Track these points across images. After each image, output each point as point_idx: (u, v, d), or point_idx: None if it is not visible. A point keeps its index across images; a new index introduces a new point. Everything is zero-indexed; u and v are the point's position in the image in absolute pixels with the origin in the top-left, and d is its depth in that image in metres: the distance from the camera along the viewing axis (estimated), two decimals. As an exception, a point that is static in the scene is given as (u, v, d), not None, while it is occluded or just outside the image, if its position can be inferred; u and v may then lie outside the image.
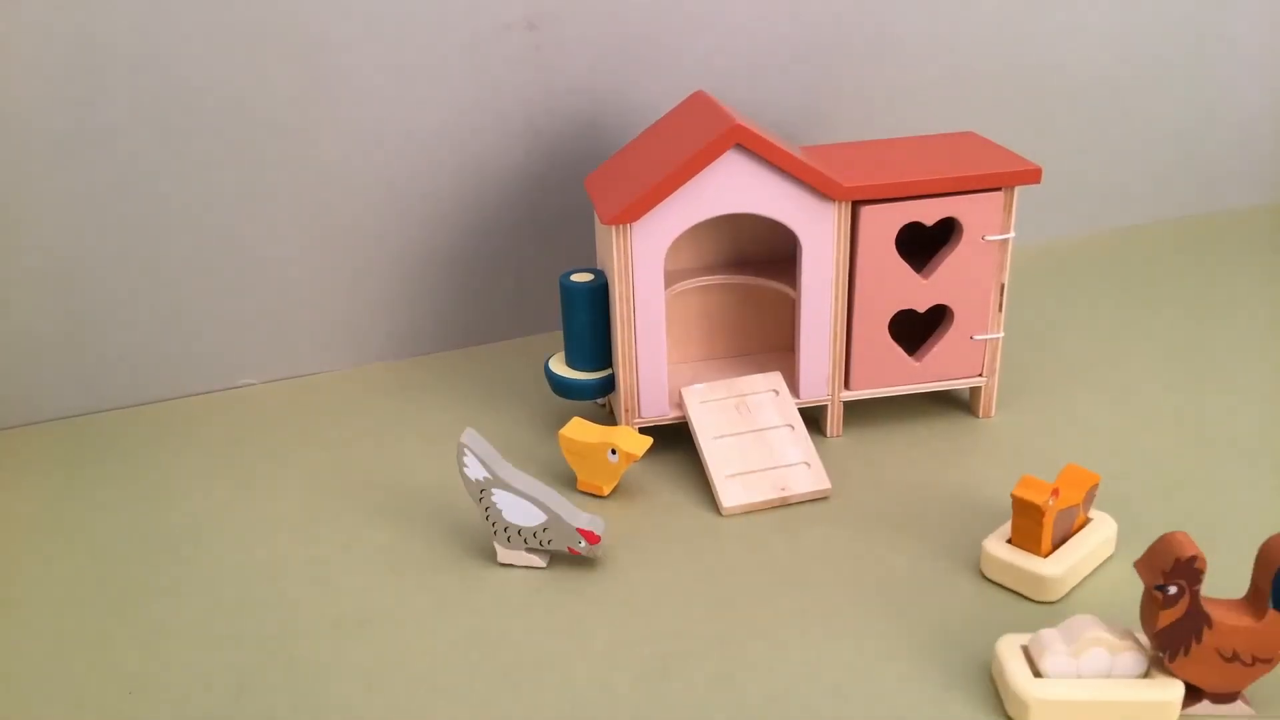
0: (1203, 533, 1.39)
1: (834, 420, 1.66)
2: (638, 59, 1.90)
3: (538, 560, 1.39)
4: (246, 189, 1.78)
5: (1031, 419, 1.68)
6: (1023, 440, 1.63)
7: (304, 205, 1.81)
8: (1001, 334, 1.65)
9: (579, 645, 1.27)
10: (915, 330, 1.66)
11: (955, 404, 1.73)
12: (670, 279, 1.66)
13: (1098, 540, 1.34)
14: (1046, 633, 1.15)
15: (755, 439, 1.55)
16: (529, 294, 2.00)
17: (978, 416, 1.69)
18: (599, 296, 1.60)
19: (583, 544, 1.36)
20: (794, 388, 1.64)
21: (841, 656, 1.23)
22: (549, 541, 1.37)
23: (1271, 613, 1.09)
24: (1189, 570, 1.08)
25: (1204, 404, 1.70)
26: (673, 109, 1.69)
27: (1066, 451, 1.59)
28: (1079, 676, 1.12)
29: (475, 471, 1.37)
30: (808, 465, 1.52)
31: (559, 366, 1.67)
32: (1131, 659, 1.12)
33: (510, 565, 1.40)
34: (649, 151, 1.59)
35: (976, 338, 1.64)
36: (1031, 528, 1.30)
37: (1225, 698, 1.14)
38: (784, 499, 1.50)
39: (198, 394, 1.87)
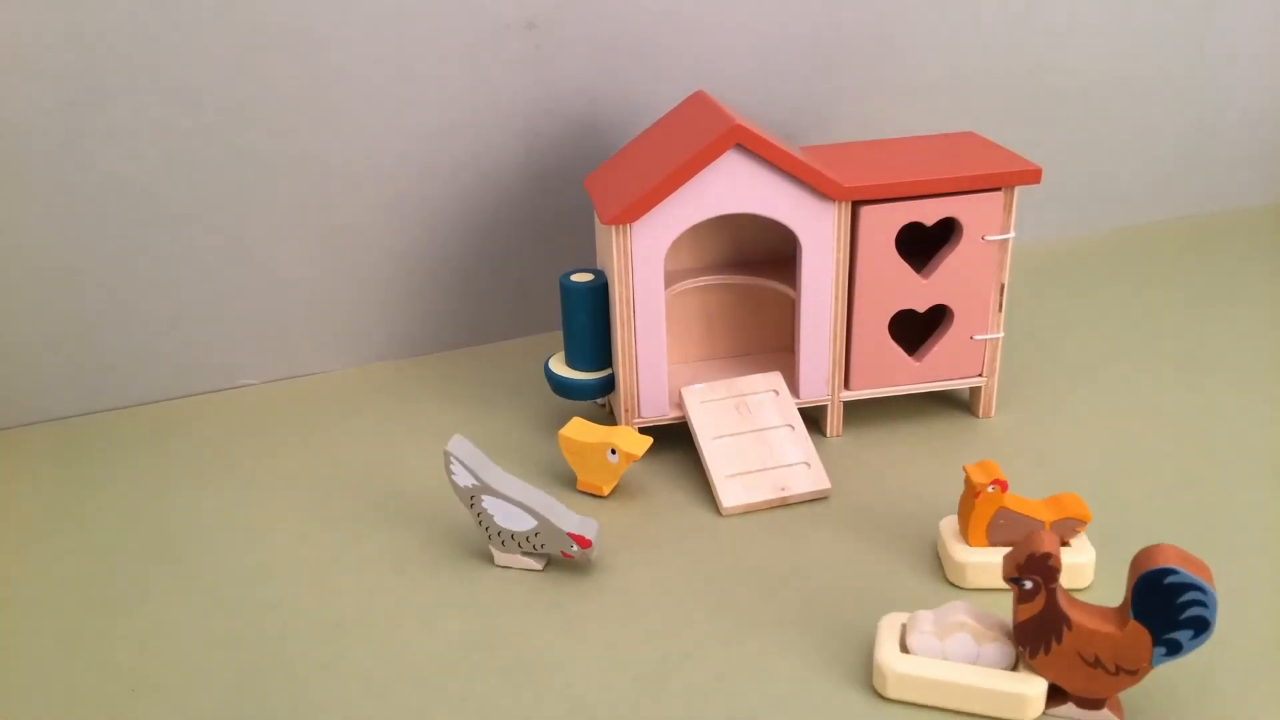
0: (1203, 533, 1.40)
1: (834, 420, 1.66)
2: (638, 59, 1.90)
3: (534, 563, 1.39)
4: (247, 189, 1.78)
5: (1031, 419, 1.68)
6: (1023, 440, 1.63)
7: (304, 205, 1.81)
8: (1001, 334, 1.65)
9: (579, 645, 1.27)
10: (915, 330, 1.66)
11: (955, 404, 1.73)
12: (670, 279, 1.66)
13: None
14: (921, 613, 1.18)
15: (755, 439, 1.55)
16: (529, 294, 2.00)
17: (978, 416, 1.69)
18: (599, 296, 1.60)
19: (575, 548, 1.35)
20: (794, 388, 1.64)
21: (841, 656, 1.23)
22: (541, 546, 1.37)
23: (1133, 623, 1.07)
24: (1043, 567, 1.08)
25: (1204, 404, 1.70)
26: (673, 109, 1.69)
27: (1066, 451, 1.59)
28: (945, 658, 1.15)
29: (463, 479, 1.37)
30: (807, 465, 1.52)
31: (559, 366, 1.67)
32: (997, 650, 1.14)
33: (509, 568, 1.40)
34: (649, 152, 1.59)
35: (976, 338, 1.64)
36: (964, 508, 1.32)
37: (1091, 703, 1.13)
38: (783, 499, 1.50)
39: (198, 394, 1.87)
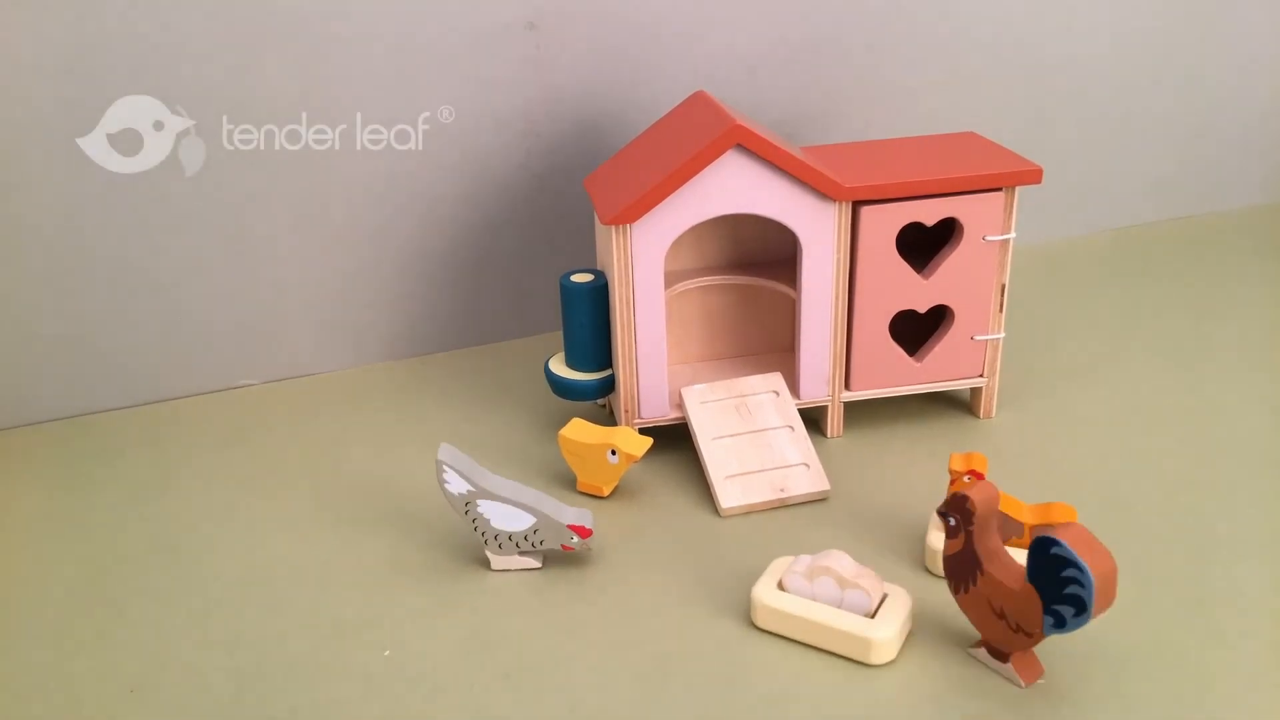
0: (1203, 532, 1.40)
1: (834, 421, 1.66)
2: (638, 59, 1.90)
3: (533, 562, 1.39)
4: (246, 189, 1.78)
5: (1031, 419, 1.68)
6: (1023, 440, 1.63)
7: (304, 205, 1.81)
8: (1002, 334, 1.65)
9: (578, 645, 1.27)
10: (915, 330, 1.66)
11: (955, 404, 1.73)
12: (670, 279, 1.66)
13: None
14: (801, 557, 1.27)
15: (755, 440, 1.55)
16: (529, 294, 2.00)
17: (978, 416, 1.69)
18: (599, 297, 1.60)
19: (575, 539, 1.35)
20: (794, 388, 1.64)
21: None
22: (541, 542, 1.37)
23: (1027, 585, 1.11)
24: (961, 508, 1.15)
25: (1204, 404, 1.70)
26: (673, 109, 1.69)
27: (1066, 451, 1.59)
28: (813, 599, 1.24)
29: (457, 486, 1.37)
30: (807, 466, 1.52)
31: (559, 367, 1.67)
32: (858, 597, 1.23)
33: (507, 571, 1.40)
34: (649, 152, 1.58)
35: (977, 338, 1.64)
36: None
37: (998, 654, 1.19)
38: (783, 500, 1.50)
39: (198, 394, 1.87)
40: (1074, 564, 1.05)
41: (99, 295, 1.77)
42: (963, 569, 1.17)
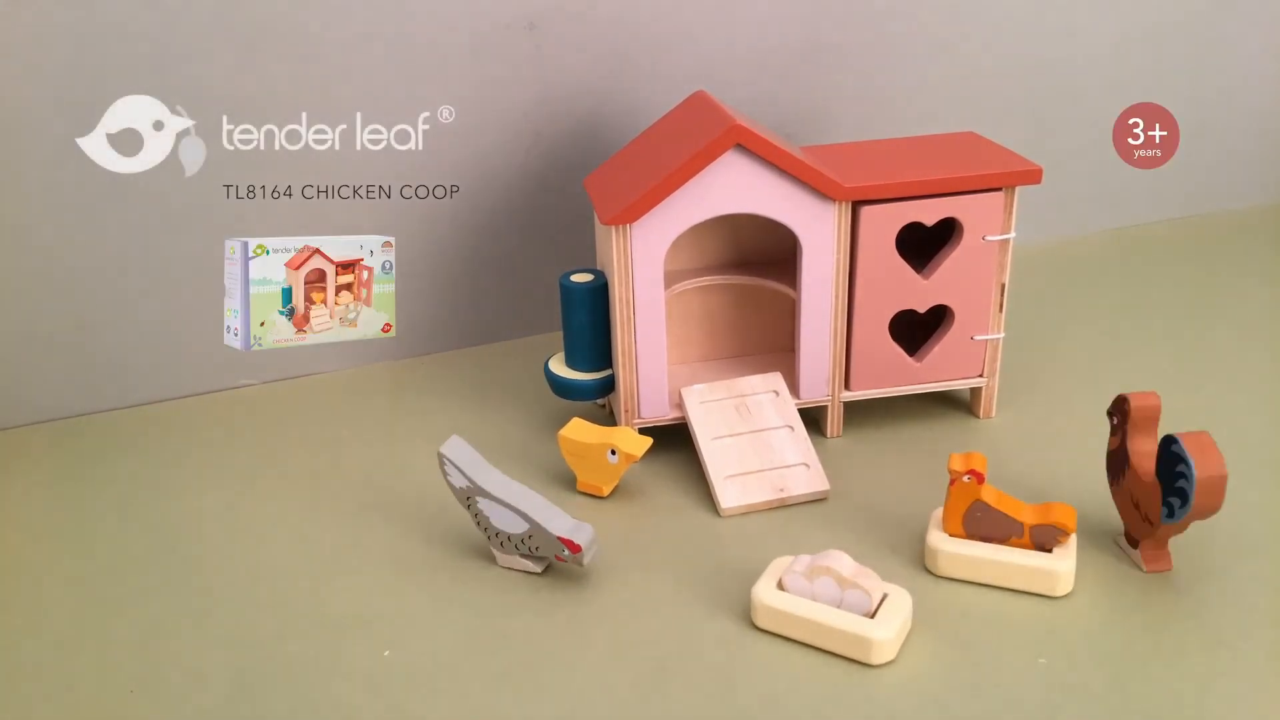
0: (1203, 532, 1.40)
1: (834, 421, 1.66)
2: (638, 59, 1.90)
3: (533, 565, 1.38)
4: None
5: (1031, 419, 1.68)
6: (1023, 440, 1.63)
7: (304, 205, 1.81)
8: (1002, 334, 1.65)
9: (579, 645, 1.27)
10: (915, 330, 1.66)
11: (955, 404, 1.73)
12: (670, 279, 1.66)
13: (1016, 559, 1.30)
14: (801, 557, 1.27)
15: (755, 440, 1.55)
16: (529, 294, 2.00)
17: (978, 417, 1.69)
18: (599, 297, 1.60)
19: (566, 553, 1.34)
20: (794, 388, 1.64)
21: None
22: (536, 549, 1.36)
23: (1155, 477, 1.28)
24: (1121, 409, 1.32)
25: (1204, 404, 1.70)
26: (673, 109, 1.69)
27: (1066, 452, 1.59)
28: (813, 599, 1.24)
29: (457, 480, 1.37)
30: (807, 466, 1.52)
31: (559, 367, 1.67)
32: (858, 597, 1.23)
33: (511, 569, 1.40)
34: (649, 152, 1.58)
35: (977, 338, 1.64)
36: (946, 496, 1.34)
37: (1130, 540, 1.35)
38: (782, 500, 1.50)
39: (198, 394, 1.87)
40: (1183, 460, 1.23)
41: (99, 295, 1.77)
42: (1116, 464, 1.34)
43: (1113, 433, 1.35)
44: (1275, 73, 2.36)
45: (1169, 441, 1.26)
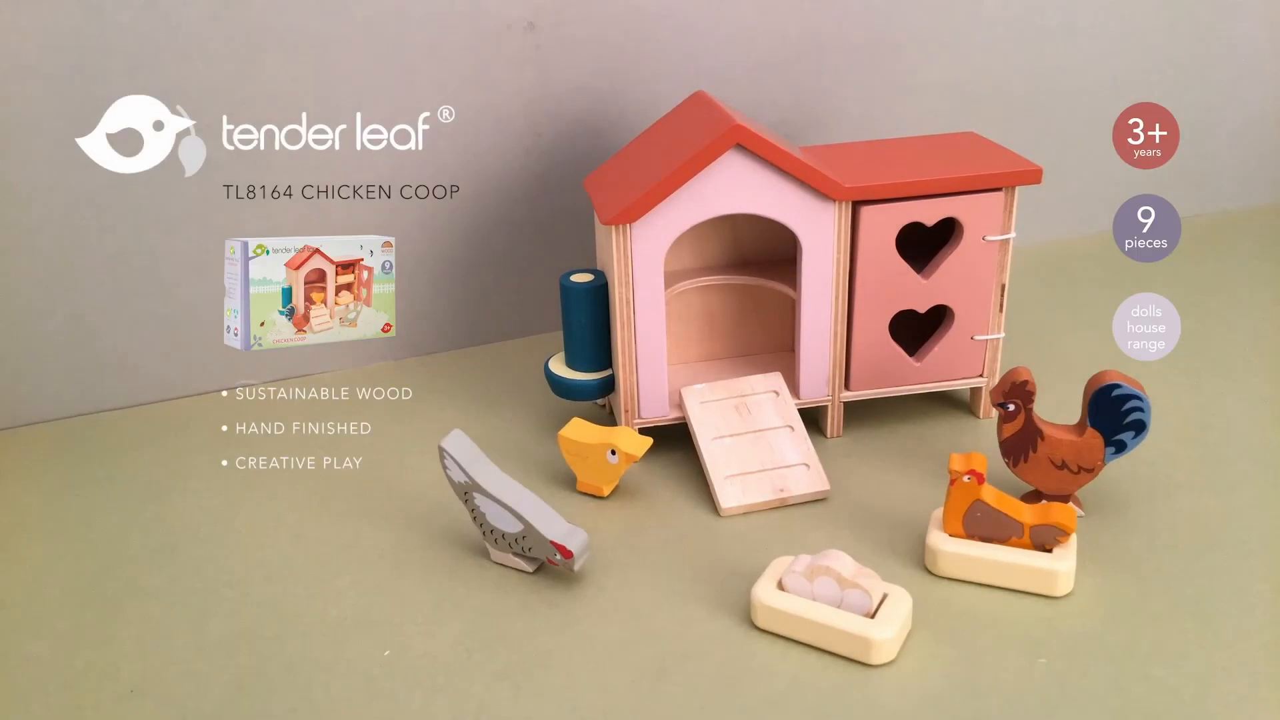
0: (1203, 532, 1.40)
1: (834, 421, 1.66)
2: (638, 59, 1.90)
3: (525, 565, 1.38)
4: (246, 189, 1.77)
5: (1031, 419, 1.68)
6: (1023, 440, 1.63)
7: (304, 205, 1.81)
8: (1002, 334, 1.65)
9: (579, 645, 1.27)
10: (915, 330, 1.66)
11: (955, 404, 1.73)
12: (670, 279, 1.66)
13: (1016, 559, 1.30)
14: (801, 557, 1.28)
15: (755, 440, 1.55)
16: (529, 294, 2.00)
17: (978, 416, 1.69)
18: (599, 297, 1.60)
19: (558, 557, 1.34)
20: (794, 388, 1.64)
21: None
22: (529, 550, 1.36)
23: (1090, 430, 1.38)
24: (1022, 392, 1.39)
25: (1204, 404, 1.70)
26: (673, 109, 1.69)
27: (1066, 452, 1.59)
28: (814, 599, 1.25)
29: (456, 475, 1.37)
30: (807, 466, 1.52)
31: (559, 367, 1.67)
32: (858, 597, 1.23)
33: (504, 565, 1.40)
34: (649, 152, 1.58)
35: (977, 338, 1.64)
36: (947, 496, 1.34)
37: (1060, 499, 1.42)
38: (782, 500, 1.50)
39: (198, 394, 1.87)
40: (1136, 396, 1.37)
41: (99, 295, 1.77)
42: (1023, 443, 1.41)
43: (1008, 419, 1.40)
44: (1275, 73, 2.36)
45: (1108, 390, 1.37)
